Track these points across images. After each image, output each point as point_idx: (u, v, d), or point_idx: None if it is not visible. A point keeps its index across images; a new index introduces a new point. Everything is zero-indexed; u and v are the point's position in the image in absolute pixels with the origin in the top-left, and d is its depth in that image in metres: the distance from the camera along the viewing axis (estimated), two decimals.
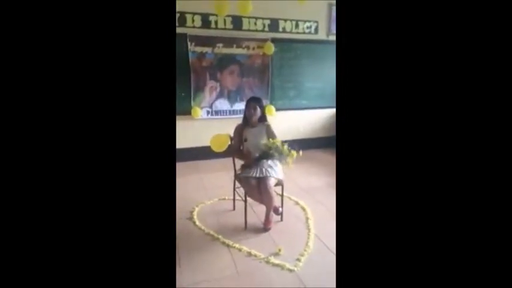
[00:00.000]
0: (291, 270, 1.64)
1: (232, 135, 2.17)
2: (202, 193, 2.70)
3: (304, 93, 4.02)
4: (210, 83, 3.57)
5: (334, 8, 3.83)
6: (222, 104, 3.68)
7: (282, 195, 2.16)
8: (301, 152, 1.99)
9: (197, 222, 2.16)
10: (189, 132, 3.52)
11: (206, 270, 1.64)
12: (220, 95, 3.65)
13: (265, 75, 3.78)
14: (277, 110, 3.87)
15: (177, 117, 3.33)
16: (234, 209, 2.35)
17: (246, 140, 2.02)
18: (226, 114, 3.68)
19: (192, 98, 3.51)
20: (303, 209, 2.39)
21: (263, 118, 2.06)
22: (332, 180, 3.04)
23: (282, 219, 2.19)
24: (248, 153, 2.02)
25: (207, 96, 3.59)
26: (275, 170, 2.00)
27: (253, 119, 2.01)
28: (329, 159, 3.80)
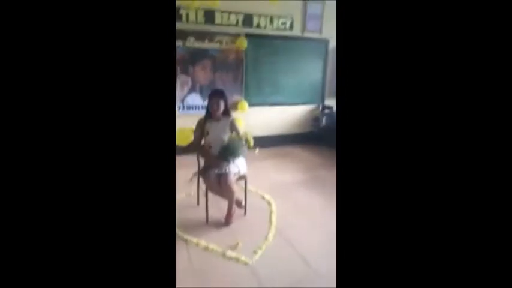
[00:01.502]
0: (246, 263, 1.62)
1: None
2: None
3: (279, 89, 4.02)
4: (181, 77, 3.51)
5: (309, 4, 3.84)
6: (194, 99, 3.62)
7: (245, 190, 2.14)
8: (257, 150, 1.99)
9: None
10: None
11: None
12: (192, 90, 3.59)
13: (239, 71, 3.74)
14: (252, 105, 3.85)
15: None
16: (198, 204, 2.31)
17: (207, 134, 1.99)
18: (198, 110, 3.61)
19: None
20: (269, 203, 2.38)
21: (227, 112, 2.02)
22: (305, 176, 3.06)
23: (245, 214, 2.17)
24: (208, 148, 1.98)
25: (178, 91, 3.52)
26: (236, 165, 1.97)
27: (216, 113, 1.97)
28: (305, 155, 3.82)
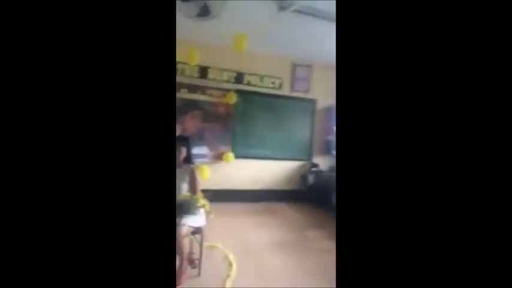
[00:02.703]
0: None
1: None
2: None
3: (267, 143, 4.03)
4: None
5: (297, 68, 4.09)
6: None
7: (200, 246, 1.96)
8: (212, 215, 1.91)
9: None
10: None
11: None
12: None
13: (227, 123, 3.83)
14: (239, 157, 3.84)
15: None
16: None
17: None
18: None
19: None
20: (230, 264, 2.14)
21: (189, 159, 1.98)
22: (286, 237, 2.82)
23: (199, 274, 1.94)
24: None
25: None
26: (191, 218, 1.83)
27: (177, 159, 1.93)
28: (290, 214, 3.61)
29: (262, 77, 3.94)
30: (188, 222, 1.80)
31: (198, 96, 3.67)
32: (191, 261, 1.95)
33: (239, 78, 3.83)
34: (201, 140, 3.72)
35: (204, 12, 2.11)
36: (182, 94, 3.59)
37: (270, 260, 2.30)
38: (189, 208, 1.77)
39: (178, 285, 1.79)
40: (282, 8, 2.58)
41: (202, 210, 1.93)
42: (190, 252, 2.00)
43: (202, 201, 1.84)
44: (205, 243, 2.27)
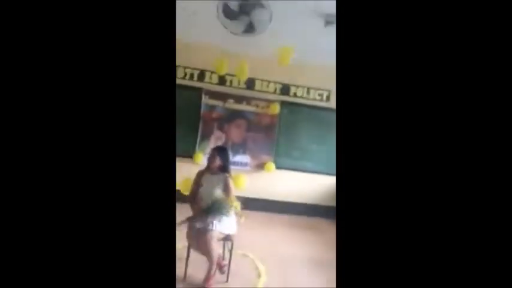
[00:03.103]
0: None
1: None
2: None
3: (309, 155, 3.95)
4: (217, 133, 3.80)
5: None
6: None
7: (230, 253, 2.01)
8: (243, 218, 1.93)
9: None
10: (182, 176, 3.65)
11: None
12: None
13: (271, 133, 3.88)
14: (281, 168, 3.84)
15: (179, 158, 3.54)
16: (187, 258, 2.24)
17: (201, 186, 2.03)
18: None
19: (197, 144, 3.74)
20: (259, 275, 2.15)
21: (224, 168, 2.08)
22: (322, 255, 2.72)
23: (227, 280, 2.00)
24: (200, 200, 2.01)
25: (212, 145, 3.78)
26: (222, 223, 1.91)
27: (211, 166, 2.05)
28: (329, 231, 3.45)
29: (308, 89, 3.91)
30: (219, 228, 1.88)
31: (244, 107, 3.82)
32: (220, 267, 2.01)
33: (285, 89, 3.87)
34: (244, 148, 3.84)
35: (250, 29, 2.22)
36: (229, 104, 3.77)
37: (301, 277, 2.24)
38: (219, 208, 1.85)
39: (206, 287, 1.87)
40: (328, 23, 2.55)
41: (233, 216, 1.99)
42: (220, 257, 2.06)
43: (234, 202, 1.90)
44: (237, 251, 2.33)
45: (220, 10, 2.12)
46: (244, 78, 3.26)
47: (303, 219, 3.74)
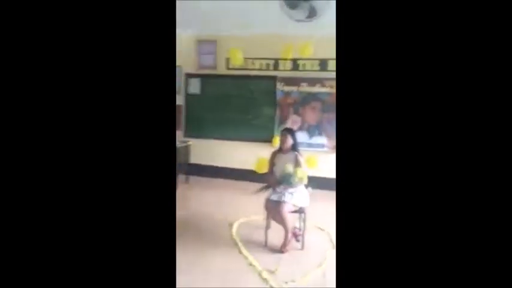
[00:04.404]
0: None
1: None
2: (251, 209, 3.06)
3: None
4: (293, 117, 3.99)
5: None
6: (301, 137, 3.95)
7: (304, 224, 2.24)
8: (310, 189, 2.12)
9: (234, 232, 2.51)
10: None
11: (210, 268, 1.94)
12: (300, 129, 3.98)
13: None
14: None
15: (259, 143, 3.95)
16: (269, 227, 2.58)
17: (275, 165, 2.30)
18: (303, 147, 3.91)
19: (275, 129, 4.04)
20: (334, 246, 2.31)
21: (294, 147, 2.29)
22: None
23: (302, 248, 2.24)
24: (274, 177, 2.29)
25: None
26: (295, 197, 2.15)
27: (284, 146, 2.28)
28: None
29: None
30: (292, 200, 2.13)
31: (318, 89, 3.86)
32: (295, 235, 2.28)
33: None
34: (320, 130, 3.92)
35: (312, 14, 2.29)
36: (303, 88, 3.89)
37: None
38: (288, 179, 2.11)
39: (283, 252, 2.17)
40: None
41: (305, 190, 2.21)
42: (295, 227, 2.32)
43: (300, 173, 2.10)
44: (313, 224, 2.54)
45: (283, 2, 2.27)
46: (306, 55, 3.25)
47: None
